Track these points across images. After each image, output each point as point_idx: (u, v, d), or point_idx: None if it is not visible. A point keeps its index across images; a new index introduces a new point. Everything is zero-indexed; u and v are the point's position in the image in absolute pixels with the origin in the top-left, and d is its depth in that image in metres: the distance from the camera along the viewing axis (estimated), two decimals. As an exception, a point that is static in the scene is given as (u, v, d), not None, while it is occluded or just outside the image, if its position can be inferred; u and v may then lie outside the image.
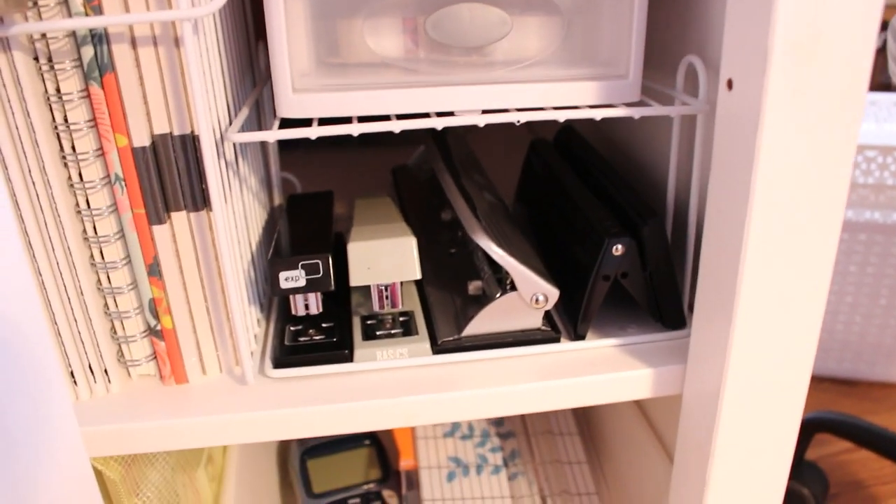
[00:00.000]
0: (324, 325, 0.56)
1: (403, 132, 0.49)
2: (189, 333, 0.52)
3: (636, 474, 0.70)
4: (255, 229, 0.61)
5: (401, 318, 0.57)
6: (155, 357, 0.53)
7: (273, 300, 0.62)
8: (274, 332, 0.56)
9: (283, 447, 0.88)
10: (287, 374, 0.53)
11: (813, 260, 0.44)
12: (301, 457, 0.78)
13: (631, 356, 0.54)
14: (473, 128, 1.13)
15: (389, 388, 0.51)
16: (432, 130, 0.75)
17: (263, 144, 0.67)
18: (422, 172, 0.85)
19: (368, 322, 0.57)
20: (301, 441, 0.80)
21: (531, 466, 0.71)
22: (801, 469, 1.09)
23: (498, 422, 0.76)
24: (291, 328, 0.56)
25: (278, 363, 0.53)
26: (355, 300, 0.60)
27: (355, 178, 0.84)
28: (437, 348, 0.54)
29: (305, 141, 0.51)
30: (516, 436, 0.74)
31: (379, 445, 0.80)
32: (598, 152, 0.66)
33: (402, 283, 0.54)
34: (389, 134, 0.50)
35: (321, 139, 0.49)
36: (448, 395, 0.51)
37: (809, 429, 1.11)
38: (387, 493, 0.74)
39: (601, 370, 0.52)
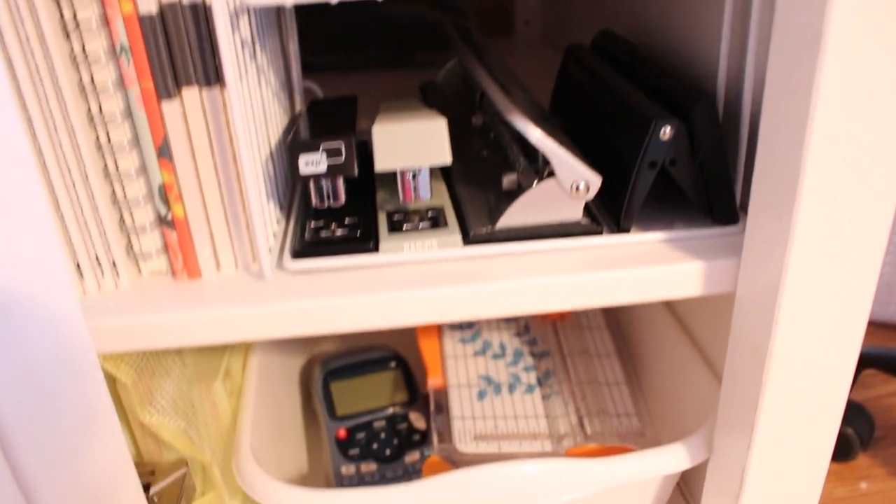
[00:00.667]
0: (347, 220, 0.52)
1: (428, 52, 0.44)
2: (202, 223, 0.49)
3: (677, 392, 0.66)
4: (274, 124, 0.57)
5: (429, 213, 0.53)
6: (166, 250, 0.50)
7: (293, 202, 0.58)
8: (294, 230, 0.53)
9: (306, 373, 0.85)
10: (307, 266, 0.49)
11: (888, 140, 0.39)
12: (324, 379, 0.75)
13: (679, 251, 0.49)
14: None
15: (418, 280, 0.47)
16: (464, 34, 0.70)
17: (282, 35, 0.63)
18: (451, 87, 0.81)
19: (395, 217, 0.53)
20: (324, 363, 0.77)
21: (567, 386, 0.67)
22: (847, 409, 1.04)
23: (531, 341, 0.72)
24: (313, 224, 0.52)
25: (297, 254, 0.49)
26: (381, 197, 0.56)
27: (382, 100, 0.80)
28: (469, 240, 0.50)
29: (329, 62, 0.47)
30: (551, 355, 0.70)
31: (405, 368, 0.76)
32: (639, 50, 0.62)
33: (430, 174, 0.50)
34: (415, 56, 0.45)
35: (344, 59, 0.45)
36: (482, 287, 0.47)
37: (857, 364, 1.05)
38: (414, 416, 0.71)
39: (647, 263, 0.48)
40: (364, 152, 0.52)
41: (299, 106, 0.69)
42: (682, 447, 0.56)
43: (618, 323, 0.77)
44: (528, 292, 0.47)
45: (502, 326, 0.73)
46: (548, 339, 0.71)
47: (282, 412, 0.72)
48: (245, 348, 0.70)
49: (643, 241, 0.51)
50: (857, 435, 1.04)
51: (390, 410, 0.72)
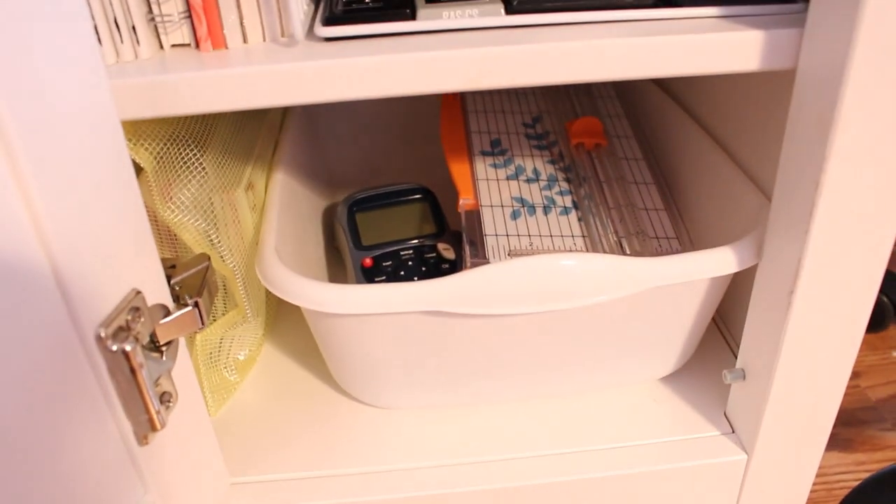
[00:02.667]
0: (380, -3, 0.49)
1: None
2: (227, -16, 0.46)
3: (720, 216, 0.63)
4: None
5: (469, -10, 0.49)
6: (189, 15, 0.47)
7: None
8: (325, 4, 0.50)
9: (329, 215, 0.83)
10: (340, 33, 0.46)
11: None
12: (349, 209, 0.73)
13: (735, 22, 0.46)
14: None
15: (456, 45, 0.44)
16: None
17: None
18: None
19: (432, -7, 0.49)
20: (349, 196, 0.74)
21: (604, 209, 0.64)
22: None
23: (566, 168, 0.69)
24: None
25: (329, 21, 0.46)
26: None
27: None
28: (513, 9, 0.46)
29: None
30: (587, 181, 0.67)
31: (433, 201, 0.74)
32: None
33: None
34: None
35: None
36: (523, 49, 0.44)
37: None
38: (442, 246, 0.69)
39: (702, 31, 0.45)
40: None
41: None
42: (730, 250, 0.53)
43: (655, 154, 0.74)
44: (573, 56, 0.44)
45: (535, 153, 0.70)
46: (583, 166, 0.68)
47: (306, 237, 0.70)
48: (269, 166, 0.68)
49: (697, 15, 0.47)
50: (891, 303, 1.01)
51: (418, 241, 0.69)
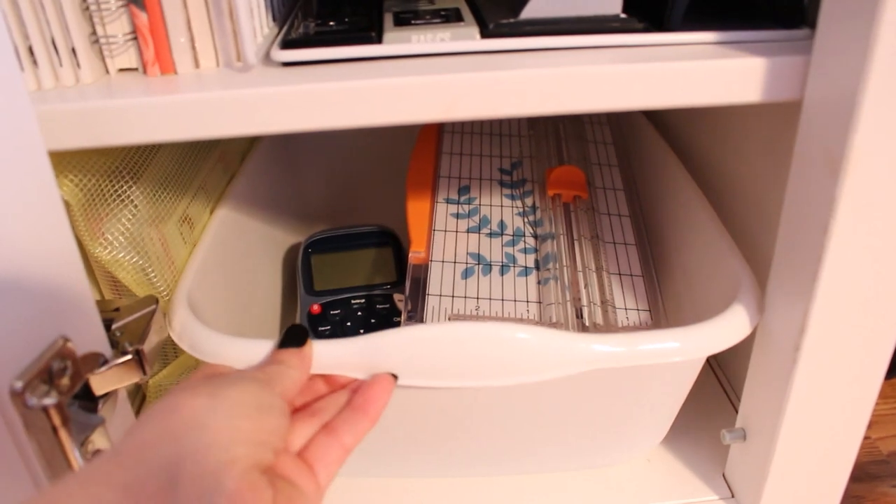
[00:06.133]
0: (347, 19, 0.45)
1: None
2: (177, 3, 0.42)
3: (705, 288, 0.58)
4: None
5: (442, 12, 0.45)
6: (135, 37, 0.43)
7: (290, 14, 0.51)
8: (286, 30, 0.45)
9: (294, 251, 0.77)
10: (299, 57, 0.42)
11: None
12: (304, 250, 0.68)
13: (735, 49, 0.42)
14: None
15: (425, 70, 0.40)
16: None
17: None
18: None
19: (403, 14, 0.45)
20: (309, 237, 0.70)
21: (570, 272, 0.58)
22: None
23: (536, 222, 0.63)
24: (308, 22, 0.45)
25: (287, 44, 0.42)
26: (388, 3, 0.48)
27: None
28: (488, 32, 0.42)
29: None
30: (556, 238, 0.61)
31: (397, 247, 0.68)
32: None
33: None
34: None
35: None
36: (501, 76, 0.39)
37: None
38: (398, 297, 0.64)
39: (697, 59, 0.40)
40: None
41: None
42: (703, 330, 0.45)
43: (643, 210, 0.67)
44: (555, 84, 0.40)
45: (505, 203, 0.64)
46: (557, 221, 0.62)
47: (248, 278, 0.65)
48: (215, 201, 0.63)
49: (691, 41, 0.43)
50: (902, 351, 0.96)
51: (372, 290, 0.64)
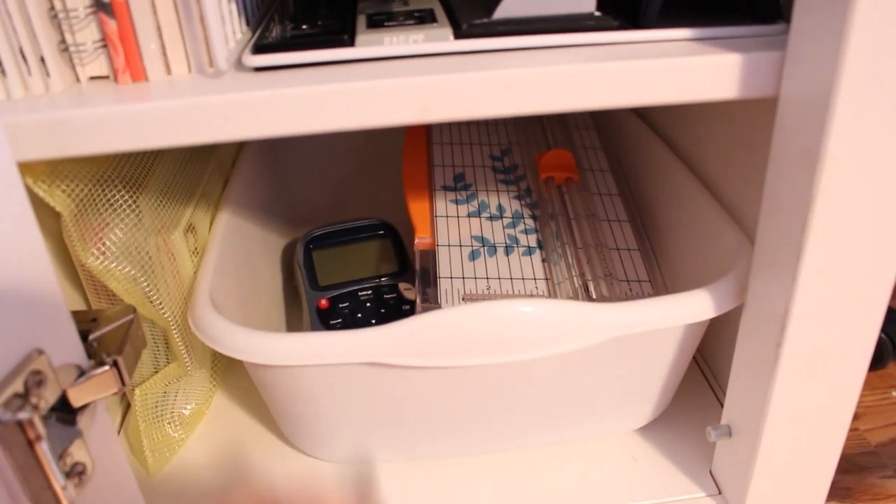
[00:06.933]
0: (320, 22, 0.45)
1: None
2: (146, 9, 0.41)
3: (699, 257, 0.59)
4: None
5: (416, 14, 0.45)
6: (105, 44, 0.42)
7: (264, 19, 0.50)
8: (258, 35, 0.45)
9: (289, 252, 0.78)
10: (270, 62, 0.41)
11: None
12: (305, 246, 0.68)
13: (711, 46, 0.41)
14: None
15: (399, 73, 0.40)
16: None
17: None
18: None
19: (376, 17, 0.45)
20: (307, 233, 0.70)
21: (571, 250, 0.59)
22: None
23: (532, 204, 0.64)
24: (280, 26, 0.45)
25: (260, 49, 0.42)
26: (362, 5, 0.48)
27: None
28: (462, 33, 0.42)
29: None
30: (554, 218, 0.62)
31: (395, 237, 0.69)
32: None
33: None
34: None
35: None
36: (475, 77, 0.39)
37: None
38: (403, 286, 0.64)
39: (674, 56, 0.40)
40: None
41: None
42: (703, 294, 0.48)
43: (632, 189, 0.69)
44: (531, 84, 0.40)
45: (500, 188, 0.65)
46: (552, 202, 0.63)
47: (255, 279, 0.65)
48: (214, 206, 0.63)
49: (667, 37, 0.43)
50: (890, 341, 0.96)
51: (377, 280, 0.64)
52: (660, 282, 0.58)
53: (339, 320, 0.62)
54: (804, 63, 0.38)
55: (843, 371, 0.46)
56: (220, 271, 0.55)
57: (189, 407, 0.62)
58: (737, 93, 0.41)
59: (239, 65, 0.43)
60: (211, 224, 0.61)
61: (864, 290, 0.43)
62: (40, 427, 0.37)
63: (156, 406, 0.59)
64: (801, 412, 0.47)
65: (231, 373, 0.69)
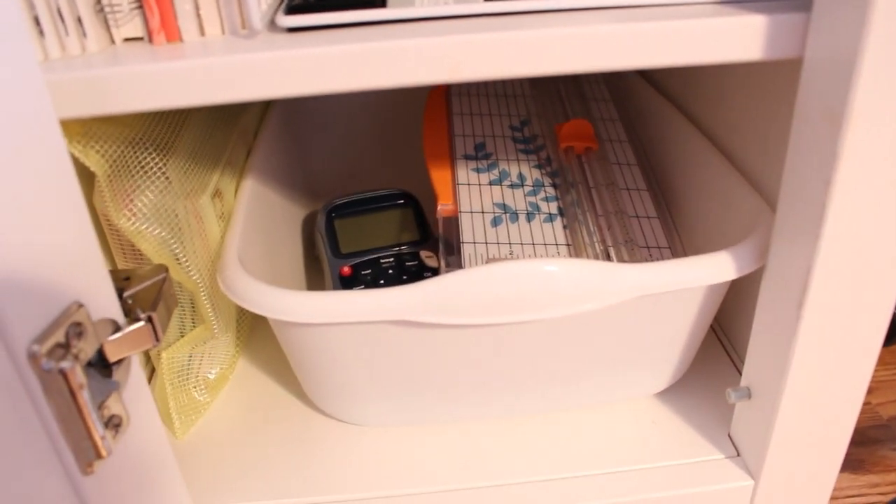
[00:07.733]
0: (349, -13, 0.45)
1: None
2: (181, -30, 0.42)
3: (718, 224, 0.59)
4: None
5: (445, -23, 0.46)
6: (140, 5, 0.43)
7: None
8: (288, -4, 0.46)
9: (309, 223, 0.79)
10: (303, 22, 0.42)
11: None
12: (327, 215, 0.69)
13: (733, 7, 0.42)
14: None
15: (429, 33, 0.41)
16: None
17: None
18: None
19: (405, -20, 0.46)
20: (328, 202, 0.71)
21: (591, 216, 0.60)
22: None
23: (553, 173, 0.65)
24: (309, -11, 0.45)
25: (292, 9, 0.42)
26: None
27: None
28: (492, -5, 0.42)
29: None
30: (575, 186, 0.63)
31: (416, 207, 0.70)
32: None
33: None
34: None
35: None
36: (505, 36, 0.40)
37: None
38: (425, 254, 0.65)
39: (697, 17, 0.41)
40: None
41: None
42: (726, 256, 0.49)
43: (650, 159, 0.70)
44: (558, 45, 0.40)
45: (521, 158, 0.66)
46: (572, 170, 0.64)
47: (278, 245, 0.66)
48: (239, 172, 0.64)
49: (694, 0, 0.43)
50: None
51: (399, 248, 0.65)
52: (679, 248, 0.59)
53: (362, 286, 0.63)
54: (830, 24, 0.39)
55: (863, 331, 0.47)
56: (247, 236, 0.56)
57: (214, 371, 0.63)
58: (762, 54, 0.42)
59: (272, 26, 0.44)
60: (236, 191, 0.62)
61: (885, 251, 0.43)
62: (82, 376, 0.38)
63: (181, 370, 0.60)
64: (821, 373, 0.48)
65: (252, 339, 0.70)
